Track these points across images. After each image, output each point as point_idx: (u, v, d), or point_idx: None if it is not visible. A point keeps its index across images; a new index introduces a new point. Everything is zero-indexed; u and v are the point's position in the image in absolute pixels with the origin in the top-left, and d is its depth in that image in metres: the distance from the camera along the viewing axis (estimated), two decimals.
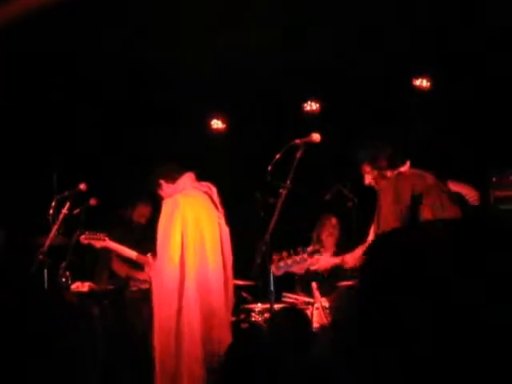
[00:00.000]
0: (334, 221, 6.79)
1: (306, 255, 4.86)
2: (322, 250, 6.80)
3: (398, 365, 1.38)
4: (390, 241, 1.64)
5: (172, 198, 5.31)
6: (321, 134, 4.71)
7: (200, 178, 5.53)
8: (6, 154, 7.19)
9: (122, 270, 6.59)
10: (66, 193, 5.95)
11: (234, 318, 5.64)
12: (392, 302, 1.43)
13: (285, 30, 6.58)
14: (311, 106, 8.12)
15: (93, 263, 6.84)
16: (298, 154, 4.65)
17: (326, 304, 6.09)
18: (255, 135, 7.89)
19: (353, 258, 4.97)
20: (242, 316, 6.25)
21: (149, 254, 5.82)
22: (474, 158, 6.54)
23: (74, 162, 7.49)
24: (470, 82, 6.85)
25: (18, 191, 7.24)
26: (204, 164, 5.86)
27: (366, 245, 4.85)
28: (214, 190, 5.44)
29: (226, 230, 5.36)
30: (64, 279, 6.01)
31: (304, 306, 6.18)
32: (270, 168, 4.62)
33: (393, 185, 4.46)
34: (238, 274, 5.58)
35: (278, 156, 4.64)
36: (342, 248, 6.71)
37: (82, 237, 6.19)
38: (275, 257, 4.73)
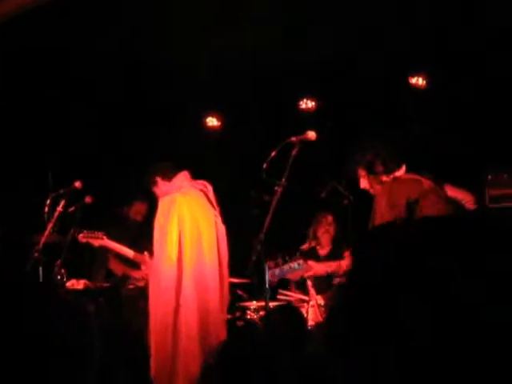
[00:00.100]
0: (329, 218, 6.80)
1: (301, 261, 4.85)
2: (318, 247, 6.84)
3: (394, 365, 1.38)
4: (385, 234, 1.63)
5: (169, 196, 5.31)
6: (316, 132, 4.70)
7: (195, 176, 5.53)
8: (1, 153, 7.18)
9: (118, 268, 6.60)
10: (61, 191, 5.94)
11: (229, 316, 5.64)
12: (388, 300, 1.43)
13: (279, 28, 6.58)
14: (307, 103, 8.13)
15: (90, 262, 6.84)
16: (294, 152, 4.63)
17: (322, 301, 6.11)
18: (250, 133, 7.89)
19: (349, 263, 4.97)
20: (238, 314, 6.25)
21: (145, 253, 5.82)
22: (469, 156, 6.55)
23: (69, 159, 7.49)
24: (468, 81, 6.85)
25: (13, 189, 7.24)
26: (199, 162, 5.86)
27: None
28: (209, 188, 5.45)
29: (222, 228, 5.36)
30: (59, 277, 6.01)
31: (299, 304, 6.19)
32: (265, 166, 4.60)
33: (388, 190, 4.41)
34: (233, 271, 5.58)
35: (273, 154, 4.63)
36: (337, 245, 6.74)
37: (81, 235, 6.19)
38: (271, 264, 4.72)
